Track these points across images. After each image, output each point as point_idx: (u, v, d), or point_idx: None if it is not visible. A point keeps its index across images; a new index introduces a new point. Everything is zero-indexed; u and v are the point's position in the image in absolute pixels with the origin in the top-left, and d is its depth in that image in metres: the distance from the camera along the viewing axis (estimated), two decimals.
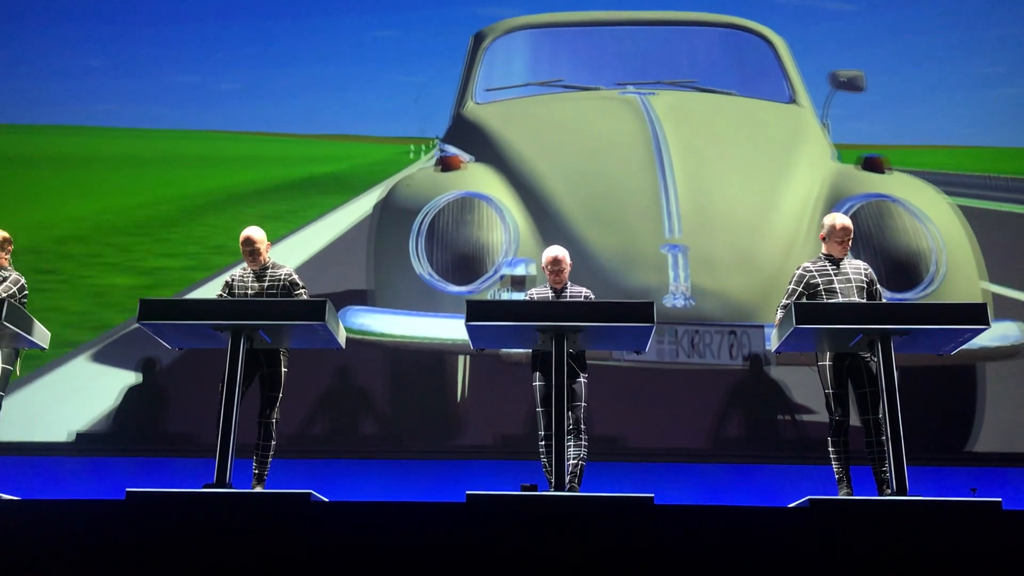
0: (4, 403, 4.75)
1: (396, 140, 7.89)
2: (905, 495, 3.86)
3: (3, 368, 4.69)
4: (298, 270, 5.02)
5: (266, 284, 4.83)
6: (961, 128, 7.73)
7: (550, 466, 4.57)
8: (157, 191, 7.78)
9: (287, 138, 8.00)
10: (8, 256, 4.93)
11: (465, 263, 6.42)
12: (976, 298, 6.37)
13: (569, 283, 4.95)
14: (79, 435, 6.57)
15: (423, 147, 7.75)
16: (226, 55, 8.03)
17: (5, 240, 4.93)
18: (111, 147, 7.95)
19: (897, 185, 6.70)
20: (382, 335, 6.36)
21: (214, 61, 8.00)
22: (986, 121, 7.70)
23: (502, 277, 6.42)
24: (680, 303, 6.31)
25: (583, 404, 4.71)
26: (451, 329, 6.23)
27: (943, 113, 7.75)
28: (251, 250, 4.86)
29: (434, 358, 6.66)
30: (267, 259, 4.91)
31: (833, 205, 6.53)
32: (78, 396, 6.68)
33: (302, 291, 4.85)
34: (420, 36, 7.99)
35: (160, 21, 8.07)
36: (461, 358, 6.71)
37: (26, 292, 4.91)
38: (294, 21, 8.10)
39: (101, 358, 6.85)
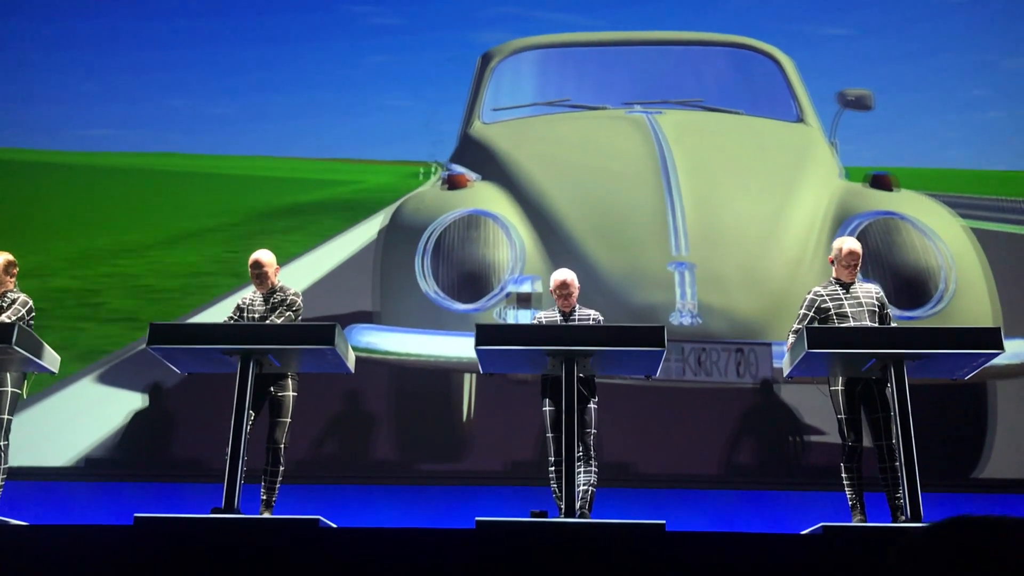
0: (12, 426, 4.73)
1: (405, 163, 7.89)
2: (920, 522, 3.82)
3: (12, 392, 4.67)
4: (305, 293, 5.01)
5: (272, 307, 4.83)
6: (967, 150, 7.72)
7: (560, 492, 4.54)
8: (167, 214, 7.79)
9: (293, 161, 8.01)
10: (14, 279, 4.91)
11: (471, 281, 6.40)
12: (986, 317, 6.34)
13: (578, 306, 4.93)
14: (87, 460, 6.55)
15: (431, 169, 7.75)
16: (230, 80, 8.04)
17: (10, 263, 4.90)
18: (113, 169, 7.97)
19: (905, 203, 6.68)
20: (388, 353, 6.34)
21: (215, 86, 8.02)
22: (990, 143, 7.69)
23: (508, 295, 6.40)
24: (687, 321, 6.29)
25: (593, 431, 4.69)
26: (457, 347, 6.21)
27: (950, 135, 7.74)
28: (259, 273, 4.86)
29: (440, 377, 6.63)
30: (275, 282, 4.91)
31: (841, 223, 6.51)
32: (85, 420, 6.66)
33: (291, 313, 4.82)
34: (432, 59, 8.00)
35: (167, 46, 8.10)
36: (467, 377, 6.69)
37: (34, 314, 4.89)
38: (297, 44, 8.13)
39: (107, 381, 6.84)
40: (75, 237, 7.55)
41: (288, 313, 4.81)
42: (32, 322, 4.86)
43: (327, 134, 7.91)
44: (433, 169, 7.73)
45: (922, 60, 7.88)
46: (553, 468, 4.67)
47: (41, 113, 7.95)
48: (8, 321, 4.63)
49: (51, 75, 8.03)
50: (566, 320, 4.88)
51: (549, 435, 4.71)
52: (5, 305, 4.79)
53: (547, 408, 4.74)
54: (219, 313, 6.65)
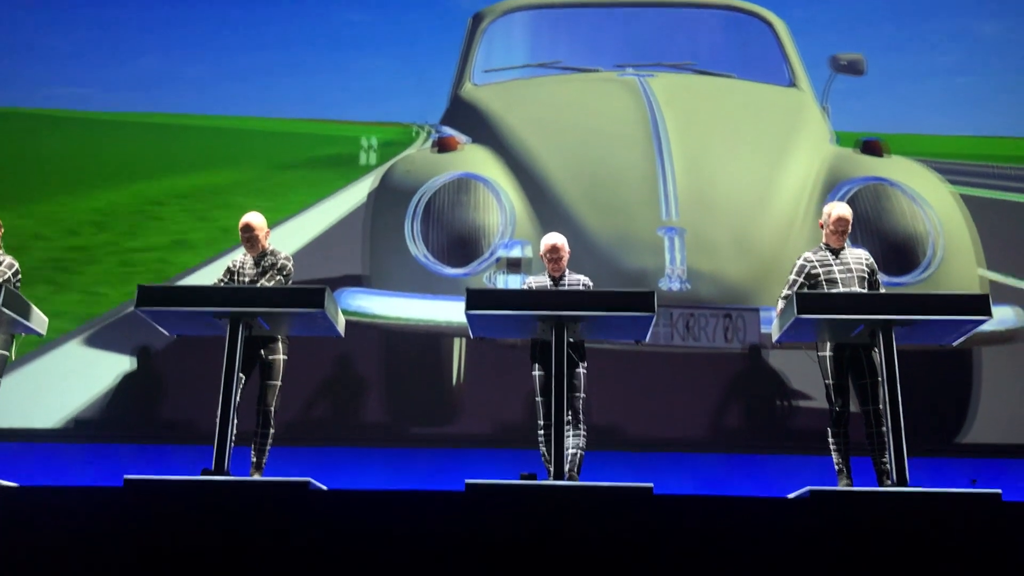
0: (1, 389, 4.71)
1: (394, 125, 7.82)
2: (906, 486, 3.86)
3: (0, 354, 4.65)
4: (295, 255, 4.99)
5: (263, 270, 4.80)
6: (961, 116, 7.69)
7: (549, 455, 4.57)
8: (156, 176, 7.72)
9: (285, 122, 7.93)
10: None
11: (461, 245, 6.39)
12: (973, 283, 6.38)
13: (567, 271, 4.93)
14: (77, 421, 6.55)
15: (412, 132, 7.68)
16: (225, 40, 7.93)
17: None
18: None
19: (895, 169, 6.69)
20: (377, 317, 6.34)
21: (211, 46, 7.91)
22: (983, 109, 7.67)
23: (498, 259, 6.39)
24: (676, 286, 6.30)
25: (582, 395, 4.70)
26: (447, 311, 6.22)
27: (943, 100, 7.71)
28: (249, 236, 4.83)
29: (430, 341, 6.64)
30: (266, 245, 4.88)
31: (831, 188, 6.52)
32: (74, 381, 6.65)
33: (281, 277, 4.81)
34: (422, 19, 7.90)
35: (155, 4, 7.98)
36: (457, 341, 6.70)
37: (20, 276, 4.85)
38: (292, 4, 8.02)
39: (96, 343, 6.82)
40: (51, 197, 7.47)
41: (278, 277, 4.79)
42: (19, 284, 4.82)
43: (315, 95, 7.83)
44: (415, 132, 7.67)
45: (912, 24, 7.84)
46: (542, 432, 4.69)
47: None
48: None
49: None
50: (556, 285, 4.87)
51: (538, 399, 4.72)
52: None
53: (536, 372, 4.75)
54: (209, 276, 6.63)
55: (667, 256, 6.36)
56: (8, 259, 4.82)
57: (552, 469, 4.06)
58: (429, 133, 7.53)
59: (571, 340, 4.33)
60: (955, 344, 4.36)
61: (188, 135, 7.80)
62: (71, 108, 7.83)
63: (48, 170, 7.62)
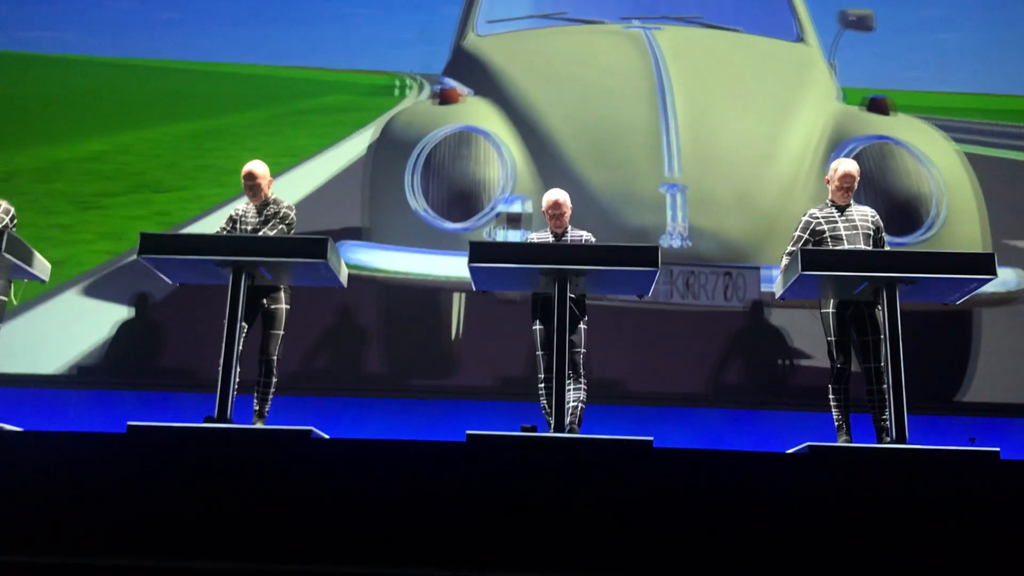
0: (5, 334, 4.71)
1: (399, 75, 7.73)
2: (904, 443, 3.88)
3: None
4: (297, 205, 4.97)
5: (265, 219, 4.78)
6: (970, 73, 7.61)
7: (550, 408, 4.59)
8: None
9: (287, 70, 7.84)
10: None
11: (461, 199, 6.36)
12: (976, 244, 6.36)
13: (570, 227, 4.91)
14: (79, 368, 6.56)
15: (404, 82, 7.59)
16: None
17: None
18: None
19: (901, 127, 6.64)
20: (377, 271, 6.33)
21: None
22: (993, 66, 7.58)
23: (498, 214, 6.37)
24: (677, 243, 6.29)
25: (582, 350, 4.70)
26: (447, 266, 6.20)
27: (952, 57, 7.62)
28: (252, 185, 4.80)
29: (429, 295, 6.63)
30: (269, 194, 4.86)
31: (836, 146, 6.48)
32: (77, 327, 6.65)
33: (284, 227, 4.78)
34: None
35: None
36: (456, 296, 6.69)
37: (15, 221, 4.81)
38: None
39: (99, 290, 6.80)
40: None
41: (281, 226, 4.77)
42: (14, 227, 4.77)
43: (316, 42, 7.72)
44: (407, 83, 7.58)
45: None
46: (543, 385, 4.70)
47: None
48: None
49: None
50: (558, 241, 4.85)
51: (539, 353, 4.73)
52: None
53: (537, 327, 4.75)
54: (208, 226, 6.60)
55: (668, 213, 6.34)
56: (4, 204, 4.77)
57: (552, 421, 4.08)
58: (421, 85, 7.45)
59: (572, 295, 4.32)
60: (957, 303, 4.36)
61: (193, 80, 7.73)
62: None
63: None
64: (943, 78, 7.55)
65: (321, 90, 7.78)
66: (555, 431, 4.02)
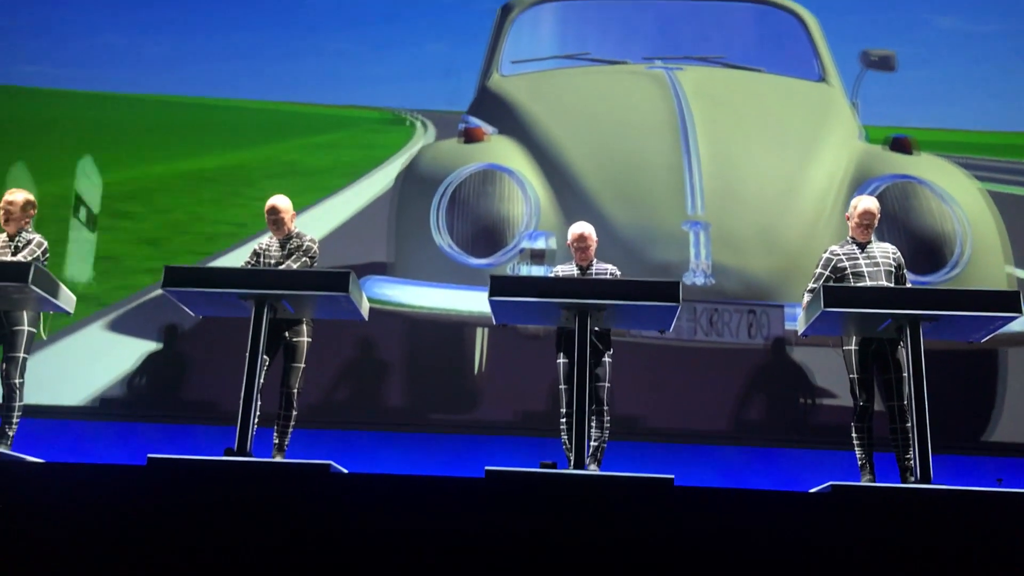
0: (28, 365, 4.77)
1: (426, 113, 7.80)
2: (930, 483, 3.82)
3: (28, 331, 4.71)
4: (321, 241, 5.01)
5: (288, 253, 4.83)
6: (993, 112, 7.58)
7: (570, 444, 4.57)
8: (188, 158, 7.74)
9: (311, 108, 7.93)
10: (31, 219, 4.92)
11: (485, 235, 6.40)
12: (1001, 282, 6.31)
13: (595, 260, 4.91)
14: (102, 400, 6.61)
15: (404, 119, 7.66)
16: (255, 23, 7.94)
17: (28, 203, 4.90)
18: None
19: (924, 166, 6.63)
20: (401, 305, 6.37)
21: (243, 28, 7.92)
22: (1014, 102, 7.54)
23: (522, 250, 6.40)
24: (700, 280, 6.28)
25: (606, 384, 4.68)
26: (471, 301, 6.23)
27: (974, 97, 7.59)
28: (275, 219, 4.86)
29: (453, 330, 6.65)
30: (292, 228, 4.91)
31: (859, 185, 6.48)
32: (100, 360, 6.70)
33: (307, 259, 4.83)
34: (451, 6, 7.87)
35: None
36: (479, 331, 6.70)
37: (48, 255, 4.91)
38: None
39: (123, 323, 6.87)
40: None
41: (304, 259, 4.82)
42: (46, 263, 4.88)
43: (335, 79, 7.81)
44: (408, 122, 7.65)
45: (948, 21, 7.73)
46: (564, 419, 4.68)
47: None
48: (25, 260, 4.65)
49: None
50: (583, 274, 4.86)
51: (562, 387, 4.71)
52: (21, 245, 4.81)
53: (561, 360, 4.74)
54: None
55: (692, 250, 6.35)
56: (37, 237, 4.87)
57: (572, 457, 4.05)
58: (423, 124, 7.53)
59: (596, 329, 4.31)
60: (982, 342, 4.32)
61: (215, 116, 7.83)
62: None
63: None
64: (965, 116, 7.52)
65: (336, 125, 7.85)
66: (575, 468, 4.00)
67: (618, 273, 4.89)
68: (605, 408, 4.67)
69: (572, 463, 4.49)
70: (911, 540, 3.40)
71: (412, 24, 7.84)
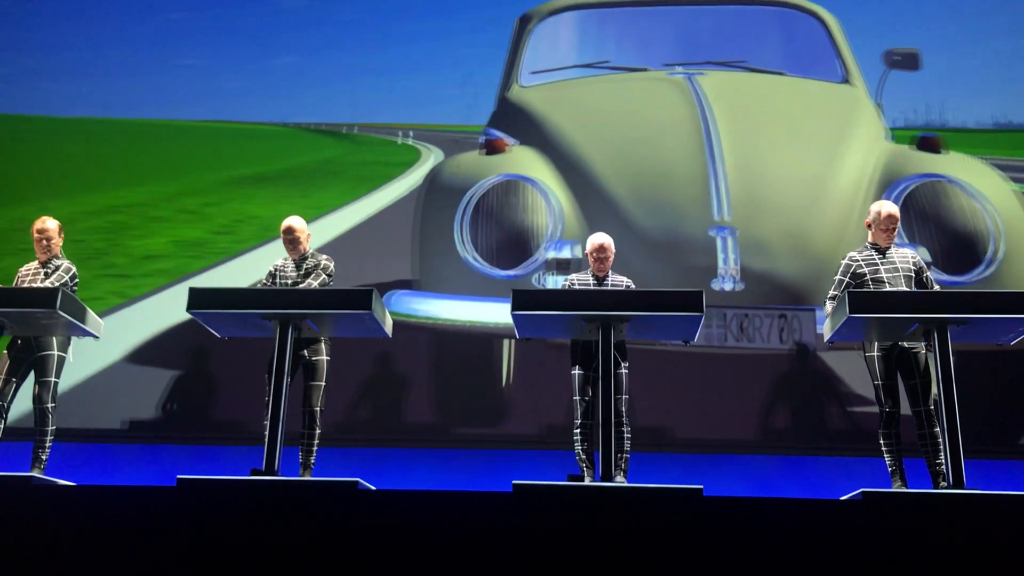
0: (58, 389, 4.84)
1: (442, 127, 7.84)
2: (962, 488, 3.76)
3: (58, 355, 4.78)
4: (339, 256, 5.05)
5: (305, 272, 4.87)
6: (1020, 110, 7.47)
7: (584, 455, 4.56)
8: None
9: (327, 128, 8.00)
10: (59, 246, 5.00)
11: (510, 246, 6.39)
12: None
13: (611, 271, 4.89)
14: (131, 422, 6.67)
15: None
16: (273, 42, 8.03)
17: (59, 228, 5.01)
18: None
19: (953, 165, 6.54)
20: (427, 318, 6.38)
21: (252, 46, 8.01)
22: None
23: (547, 260, 6.39)
24: (729, 286, 6.24)
25: (625, 396, 4.65)
26: (496, 313, 6.23)
27: (1002, 95, 7.50)
28: (291, 239, 4.90)
29: (479, 343, 6.65)
30: (307, 248, 4.95)
31: (887, 186, 6.40)
32: (130, 384, 6.78)
33: (325, 276, 4.86)
34: (469, 20, 7.91)
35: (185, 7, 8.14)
36: (506, 343, 6.70)
37: (77, 280, 4.99)
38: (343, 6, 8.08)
39: (151, 346, 6.93)
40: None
41: (323, 276, 4.85)
42: (75, 288, 4.95)
43: (362, 98, 7.87)
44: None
45: (972, 18, 7.64)
46: (578, 431, 4.65)
47: None
48: (53, 286, 4.73)
49: None
50: (599, 284, 4.85)
51: (576, 398, 4.69)
52: (50, 271, 4.89)
53: (576, 372, 4.71)
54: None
55: (719, 256, 6.30)
56: (66, 263, 4.96)
57: (601, 469, 4.03)
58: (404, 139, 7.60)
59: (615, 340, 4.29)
60: (1012, 344, 4.24)
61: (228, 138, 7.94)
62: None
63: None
64: (991, 115, 7.43)
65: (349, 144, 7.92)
66: (603, 479, 3.98)
67: (633, 286, 4.86)
68: (625, 420, 4.63)
69: (585, 472, 4.51)
70: (944, 546, 3.35)
71: (431, 43, 7.90)
